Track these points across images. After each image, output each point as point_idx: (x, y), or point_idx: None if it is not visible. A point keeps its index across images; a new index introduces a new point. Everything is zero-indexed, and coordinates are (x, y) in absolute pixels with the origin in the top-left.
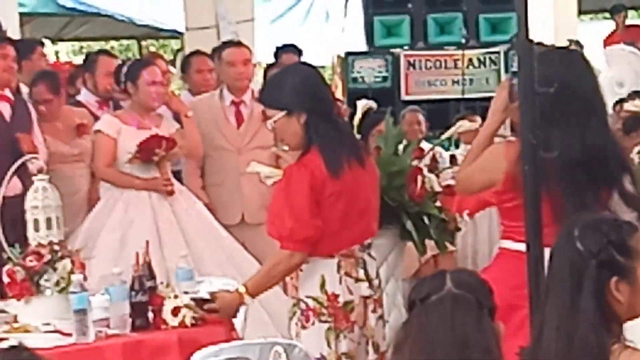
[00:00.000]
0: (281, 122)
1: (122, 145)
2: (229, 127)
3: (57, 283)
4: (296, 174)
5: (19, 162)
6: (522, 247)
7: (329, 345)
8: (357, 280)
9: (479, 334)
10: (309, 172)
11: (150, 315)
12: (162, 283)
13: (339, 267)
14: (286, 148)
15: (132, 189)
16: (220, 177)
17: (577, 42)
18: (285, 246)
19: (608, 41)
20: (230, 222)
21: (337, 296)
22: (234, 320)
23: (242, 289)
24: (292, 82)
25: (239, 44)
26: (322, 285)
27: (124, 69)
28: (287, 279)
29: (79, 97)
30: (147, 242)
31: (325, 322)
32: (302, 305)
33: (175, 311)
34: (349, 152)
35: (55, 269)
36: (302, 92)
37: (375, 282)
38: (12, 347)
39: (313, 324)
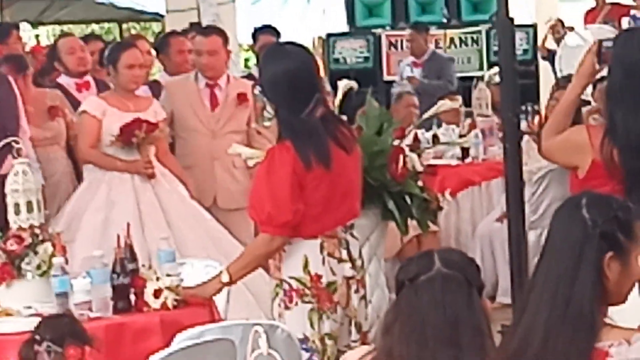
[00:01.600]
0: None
1: (106, 127)
2: (203, 109)
3: (39, 266)
4: (279, 156)
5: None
6: None
7: (312, 325)
8: (340, 260)
9: (469, 313)
10: (291, 155)
11: (132, 297)
12: (143, 265)
13: (321, 247)
14: (267, 124)
15: (114, 170)
16: (191, 159)
17: (560, 21)
18: (264, 230)
19: (588, 18)
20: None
21: (320, 277)
22: (216, 301)
23: (225, 274)
24: (272, 71)
25: (209, 32)
26: (305, 266)
27: (106, 52)
28: (270, 259)
29: (59, 80)
30: (128, 224)
31: (309, 302)
32: (285, 286)
33: (157, 293)
34: (321, 145)
35: (36, 253)
36: (277, 84)
37: (358, 262)
38: (56, 315)
39: (296, 304)
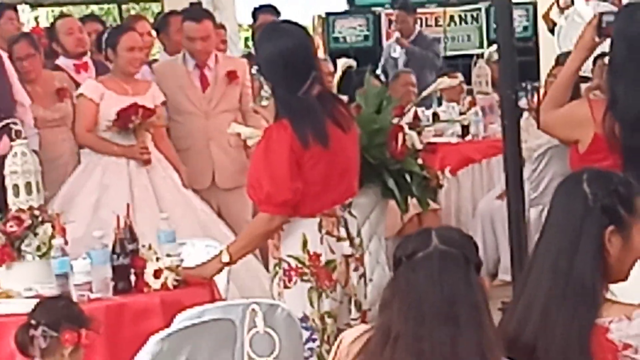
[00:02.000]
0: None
1: (103, 111)
2: (194, 91)
3: (38, 248)
4: (276, 135)
5: None
6: None
7: (311, 304)
8: (339, 239)
9: (466, 289)
10: (289, 133)
11: (133, 278)
12: (144, 246)
13: (320, 226)
14: (264, 103)
15: (110, 155)
16: (187, 141)
17: None
18: (264, 209)
19: None
20: (200, 187)
21: (319, 255)
22: (217, 281)
23: (225, 255)
24: (269, 50)
25: (200, 16)
26: (304, 244)
27: (105, 36)
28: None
29: (57, 62)
30: (128, 205)
31: (308, 281)
32: (284, 265)
33: (157, 274)
34: (318, 123)
35: (36, 234)
36: (273, 63)
37: (357, 240)
38: (52, 298)
39: (295, 283)
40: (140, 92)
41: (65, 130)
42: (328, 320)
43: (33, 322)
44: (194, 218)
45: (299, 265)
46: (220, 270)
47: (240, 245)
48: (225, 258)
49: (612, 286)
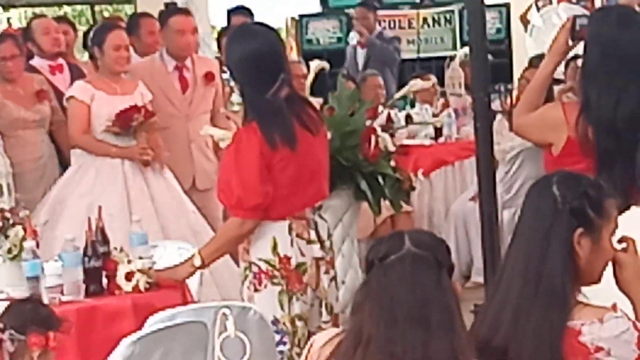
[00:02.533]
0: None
1: (95, 111)
2: (174, 92)
3: (9, 250)
4: (246, 139)
5: None
6: None
7: (282, 307)
8: (309, 241)
9: (438, 293)
10: (258, 136)
11: (104, 280)
12: (115, 248)
13: (290, 229)
14: (236, 108)
15: (107, 156)
16: (168, 144)
17: None
18: (235, 214)
19: None
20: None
21: (289, 258)
22: (189, 284)
23: (197, 258)
24: (238, 51)
25: (185, 11)
26: (274, 247)
27: (91, 34)
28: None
29: (32, 62)
30: (100, 207)
31: (278, 284)
32: (254, 269)
33: (129, 276)
34: (285, 125)
35: (7, 237)
36: (243, 65)
37: (327, 243)
38: (20, 300)
39: (265, 286)
40: (128, 91)
41: (43, 132)
42: (299, 324)
43: (0, 325)
44: (186, 221)
45: (269, 269)
46: (192, 273)
47: (212, 249)
48: (197, 262)
49: (584, 289)
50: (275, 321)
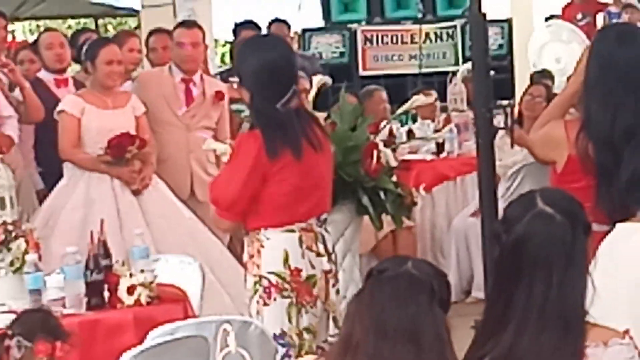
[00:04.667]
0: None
1: (85, 125)
2: (178, 103)
3: (12, 263)
4: (244, 144)
5: None
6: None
7: (289, 320)
8: (318, 254)
9: (431, 317)
10: (258, 144)
11: (106, 294)
12: (117, 262)
13: (300, 241)
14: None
15: (96, 171)
16: (166, 152)
17: None
18: (215, 211)
19: (565, 12)
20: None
21: (300, 271)
22: (190, 298)
23: None
24: (252, 61)
25: (191, 24)
26: (286, 259)
27: (84, 48)
28: (246, 256)
29: (39, 74)
30: (102, 220)
31: (288, 297)
32: (264, 282)
33: (131, 290)
34: (293, 135)
35: (9, 249)
36: (256, 73)
37: (333, 256)
38: (31, 310)
39: (274, 300)
40: (120, 104)
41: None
42: (307, 336)
43: (9, 332)
44: (182, 228)
45: (279, 281)
46: None
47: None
48: None
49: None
50: (282, 334)
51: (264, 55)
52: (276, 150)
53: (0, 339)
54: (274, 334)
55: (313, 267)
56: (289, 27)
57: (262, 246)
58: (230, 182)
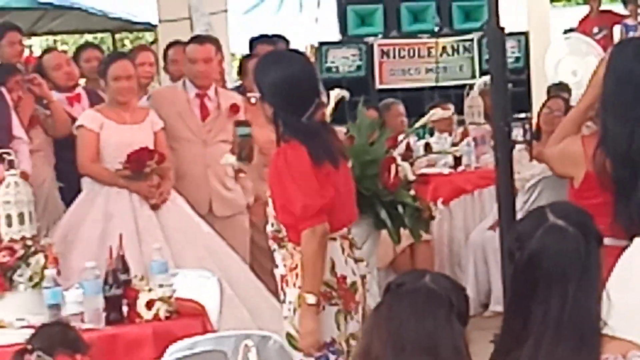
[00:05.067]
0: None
1: (104, 140)
2: (193, 118)
3: (31, 278)
4: (291, 153)
5: None
6: (609, 242)
7: (338, 327)
8: (356, 260)
9: (448, 331)
10: (303, 151)
11: (125, 308)
12: (135, 276)
13: (342, 248)
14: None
15: (114, 186)
16: (183, 168)
17: None
18: (303, 227)
19: (581, 25)
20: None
21: (345, 278)
22: (209, 312)
23: (307, 297)
24: (275, 75)
25: (203, 40)
26: (332, 268)
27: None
28: (284, 270)
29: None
30: (121, 235)
31: (335, 304)
32: None
33: (150, 304)
34: (327, 144)
35: (28, 264)
36: (279, 87)
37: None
38: (50, 324)
39: (323, 308)
40: (138, 120)
41: (43, 155)
42: (353, 343)
43: (29, 347)
44: (200, 243)
45: (328, 290)
46: (317, 313)
47: (309, 277)
48: (311, 299)
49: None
50: (332, 342)
51: (285, 69)
52: (320, 158)
53: (20, 354)
54: (325, 342)
55: (354, 273)
56: (274, 43)
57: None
58: (305, 189)
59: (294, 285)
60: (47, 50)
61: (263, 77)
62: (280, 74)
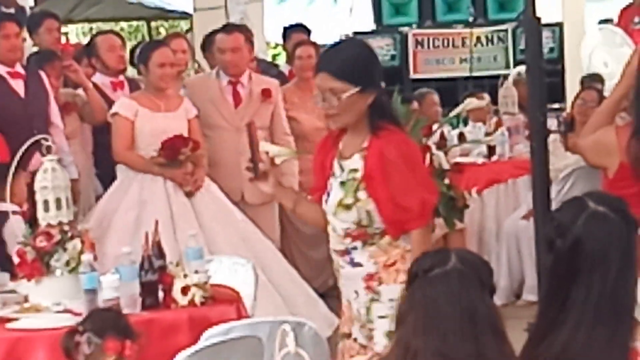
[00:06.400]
0: (353, 97)
1: (139, 128)
2: (226, 106)
3: (67, 263)
4: (405, 146)
5: (29, 142)
6: None
7: None
8: None
9: (485, 308)
10: (410, 140)
11: (160, 294)
12: (171, 262)
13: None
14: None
15: (149, 173)
16: (217, 156)
17: None
18: (419, 224)
19: (623, 16)
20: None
21: None
22: (244, 299)
23: None
24: (366, 60)
25: (231, 29)
26: None
27: (137, 51)
28: (375, 267)
29: (93, 79)
30: (157, 221)
31: None
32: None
33: (185, 290)
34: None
35: (65, 249)
36: (374, 70)
37: None
38: (103, 309)
39: None
40: (172, 107)
41: (77, 142)
42: None
43: (80, 328)
44: (234, 230)
45: None
46: None
47: None
48: None
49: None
50: None
51: (373, 54)
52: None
53: (71, 335)
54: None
55: None
56: (308, 31)
57: (408, 250)
58: (425, 184)
59: (394, 281)
60: (102, 32)
61: (355, 66)
62: (370, 56)
